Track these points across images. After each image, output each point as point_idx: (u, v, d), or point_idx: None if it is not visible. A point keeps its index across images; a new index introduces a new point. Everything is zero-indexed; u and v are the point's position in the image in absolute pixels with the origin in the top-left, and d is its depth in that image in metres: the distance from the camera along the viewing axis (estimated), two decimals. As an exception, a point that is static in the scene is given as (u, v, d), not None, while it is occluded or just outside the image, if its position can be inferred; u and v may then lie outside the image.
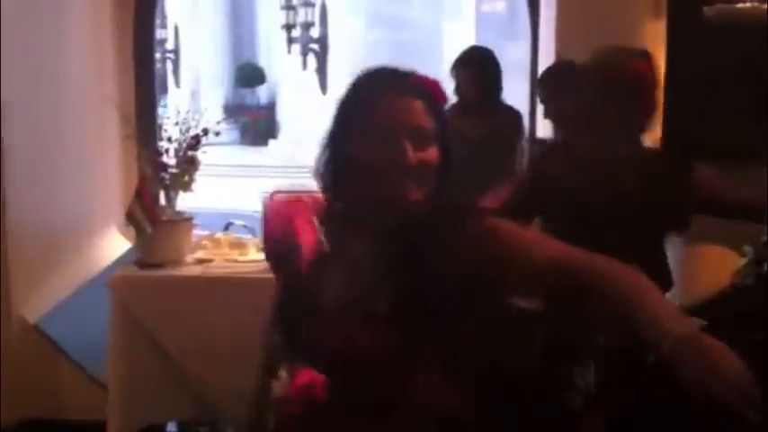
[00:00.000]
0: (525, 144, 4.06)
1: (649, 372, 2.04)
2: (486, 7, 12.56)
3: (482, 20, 12.76)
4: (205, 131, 3.23)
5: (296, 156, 15.31)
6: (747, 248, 3.08)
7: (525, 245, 1.39)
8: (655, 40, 4.08)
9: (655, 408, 2.07)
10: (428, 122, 1.40)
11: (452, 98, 4.19)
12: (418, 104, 1.40)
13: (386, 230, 1.42)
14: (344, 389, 1.45)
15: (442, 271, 1.38)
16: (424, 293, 1.38)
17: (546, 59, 4.30)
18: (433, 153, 1.40)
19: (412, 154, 1.37)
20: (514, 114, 4.05)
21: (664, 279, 2.27)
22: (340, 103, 1.47)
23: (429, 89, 1.44)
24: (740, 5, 3.68)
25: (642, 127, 2.28)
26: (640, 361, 2.03)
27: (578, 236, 2.23)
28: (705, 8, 3.76)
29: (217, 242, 3.32)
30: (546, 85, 3.65)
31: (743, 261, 3.05)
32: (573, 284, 1.34)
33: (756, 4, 3.68)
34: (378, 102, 1.40)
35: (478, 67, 4.06)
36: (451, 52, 4.32)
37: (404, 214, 1.41)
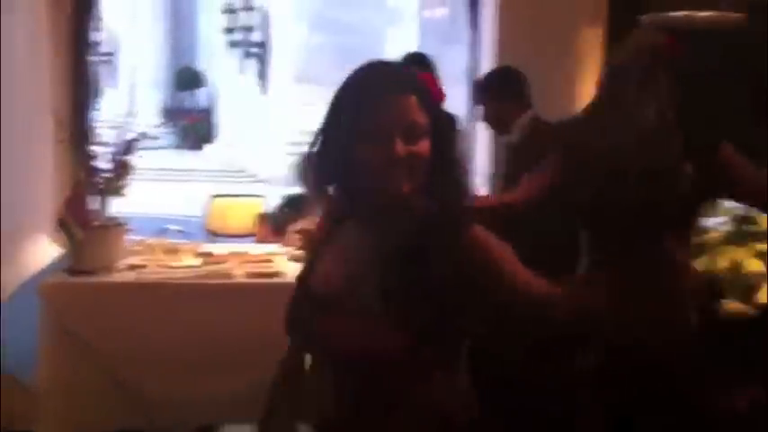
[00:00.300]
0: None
1: (649, 368, 2.06)
2: (428, 13, 12.60)
3: (425, 25, 12.81)
4: (143, 136, 3.18)
5: (234, 160, 15.18)
6: None
7: (501, 262, 1.45)
8: (593, 47, 4.14)
9: (654, 405, 2.08)
10: (421, 117, 1.44)
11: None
12: (412, 101, 1.44)
13: (375, 222, 1.47)
14: (342, 385, 1.48)
15: (432, 271, 1.42)
16: (412, 290, 1.41)
17: (487, 65, 4.34)
18: (424, 146, 1.43)
19: (402, 148, 1.41)
20: (450, 118, 4.06)
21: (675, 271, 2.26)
22: (335, 98, 1.50)
23: (424, 84, 1.48)
24: (674, 14, 3.75)
25: (674, 105, 2.24)
26: (640, 358, 2.05)
27: (602, 224, 2.23)
28: (640, 16, 3.82)
29: (150, 248, 3.26)
30: (486, 90, 3.67)
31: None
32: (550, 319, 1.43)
33: (689, 12, 3.75)
34: (373, 99, 1.44)
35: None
36: (395, 57, 4.33)
37: (393, 205, 1.45)
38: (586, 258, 2.32)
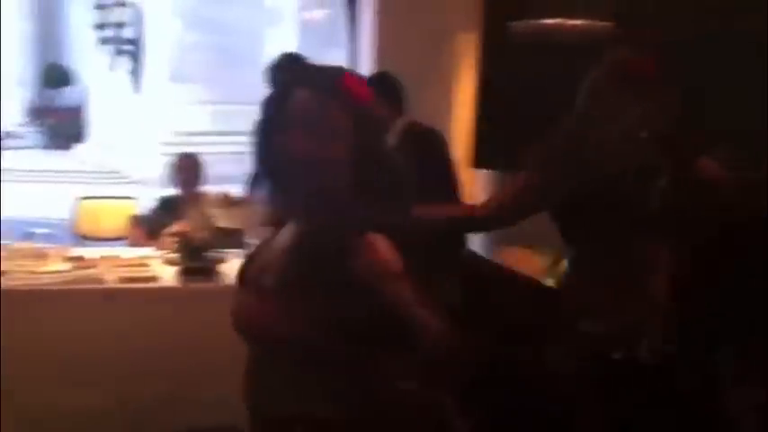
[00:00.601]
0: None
1: (648, 371, 2.06)
2: (307, 14, 12.60)
3: (304, 27, 12.77)
4: (7, 135, 3.04)
5: (106, 161, 14.72)
6: (547, 250, 3.24)
7: (384, 276, 1.44)
8: (469, 52, 4.22)
9: (653, 406, 2.08)
10: (336, 121, 1.45)
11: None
12: (327, 101, 1.46)
13: (296, 216, 1.53)
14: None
15: (322, 271, 1.44)
16: (305, 284, 1.44)
17: (366, 68, 4.35)
18: (333, 149, 1.45)
19: (307, 146, 1.43)
20: (379, 122, 4.03)
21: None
22: (267, 94, 1.55)
23: (347, 88, 1.50)
24: (544, 21, 3.86)
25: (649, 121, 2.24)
26: (637, 361, 2.06)
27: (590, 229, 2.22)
28: (512, 23, 3.92)
29: (15, 252, 3.12)
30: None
31: (548, 262, 3.20)
32: None
33: (560, 20, 3.86)
34: (288, 96, 1.48)
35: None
36: (272, 59, 4.30)
37: (306, 201, 1.49)
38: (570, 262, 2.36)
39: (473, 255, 2.50)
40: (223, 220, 3.66)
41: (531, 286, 2.82)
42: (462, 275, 2.18)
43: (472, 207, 2.44)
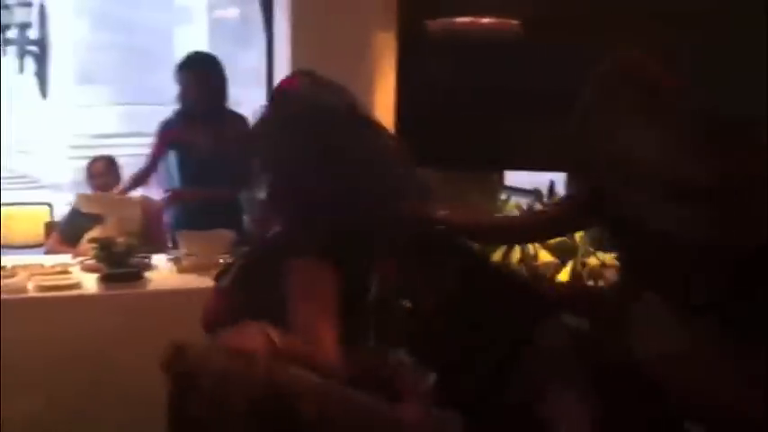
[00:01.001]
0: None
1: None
2: (218, 13, 12.49)
3: (215, 26, 12.67)
4: None
5: (15, 166, 14.30)
6: None
7: (292, 298, 1.51)
8: (388, 52, 4.26)
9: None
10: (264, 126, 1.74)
11: (176, 105, 4.14)
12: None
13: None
14: None
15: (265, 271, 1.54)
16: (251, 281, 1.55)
17: (281, 67, 4.35)
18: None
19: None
20: (240, 119, 4.00)
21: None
22: None
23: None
24: (459, 19, 3.92)
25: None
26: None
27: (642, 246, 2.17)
28: (427, 22, 3.97)
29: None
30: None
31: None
32: None
33: (473, 18, 3.93)
34: None
35: (199, 72, 4.04)
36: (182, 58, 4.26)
37: None
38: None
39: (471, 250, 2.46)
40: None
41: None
42: (461, 267, 2.18)
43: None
